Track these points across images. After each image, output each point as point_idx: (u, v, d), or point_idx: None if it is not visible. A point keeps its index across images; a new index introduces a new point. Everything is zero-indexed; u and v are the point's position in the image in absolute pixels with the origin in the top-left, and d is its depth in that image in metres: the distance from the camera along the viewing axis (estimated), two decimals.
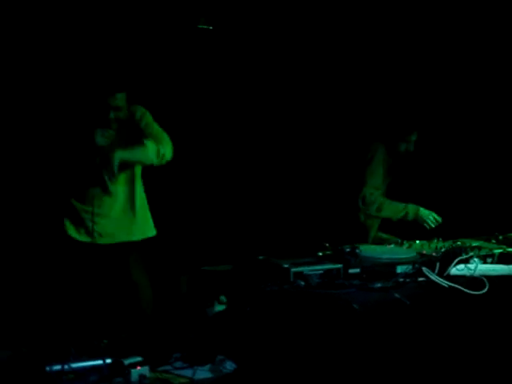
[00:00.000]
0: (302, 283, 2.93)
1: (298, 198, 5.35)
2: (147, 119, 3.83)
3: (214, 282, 3.25)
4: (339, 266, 3.05)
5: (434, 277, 2.98)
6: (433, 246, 3.67)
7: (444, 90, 5.42)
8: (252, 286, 2.93)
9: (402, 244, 3.73)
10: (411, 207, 4.34)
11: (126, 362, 2.58)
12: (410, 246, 3.64)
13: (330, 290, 2.87)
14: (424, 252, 3.43)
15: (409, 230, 4.28)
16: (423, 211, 4.31)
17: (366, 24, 5.26)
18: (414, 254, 3.35)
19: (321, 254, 3.35)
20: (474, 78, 5.40)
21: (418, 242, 3.80)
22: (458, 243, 3.71)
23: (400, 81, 5.35)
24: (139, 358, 2.61)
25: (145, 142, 3.65)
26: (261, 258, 3.28)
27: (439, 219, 4.28)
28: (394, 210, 4.34)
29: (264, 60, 5.10)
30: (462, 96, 5.45)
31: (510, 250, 3.61)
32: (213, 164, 5.14)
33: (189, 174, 4.96)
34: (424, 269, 3.01)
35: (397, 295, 2.78)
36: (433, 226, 4.27)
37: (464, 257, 3.17)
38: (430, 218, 4.26)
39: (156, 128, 3.78)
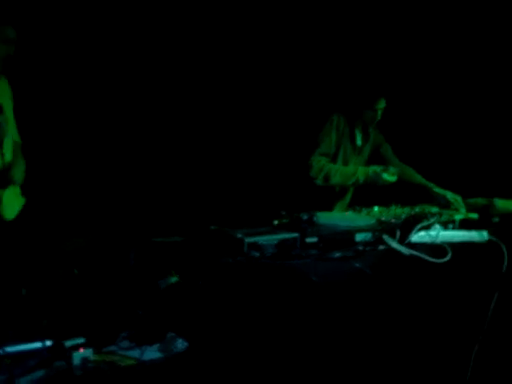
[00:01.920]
0: (257, 254, 2.74)
1: (261, 169, 5.15)
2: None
3: (165, 253, 3.05)
4: (295, 235, 2.87)
5: (395, 244, 2.82)
6: (392, 212, 3.52)
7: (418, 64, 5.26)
8: (204, 258, 2.74)
9: (360, 211, 3.57)
10: (361, 170, 4.10)
11: (68, 344, 2.39)
12: (368, 213, 3.49)
13: (285, 260, 2.69)
14: (383, 219, 3.28)
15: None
16: (373, 172, 4.02)
17: None
18: (374, 220, 3.20)
19: (277, 222, 3.17)
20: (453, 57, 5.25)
21: (376, 208, 3.65)
22: (417, 209, 3.58)
23: (364, 48, 5.16)
24: (82, 340, 2.42)
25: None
26: (213, 228, 3.09)
27: (392, 178, 4.00)
28: (344, 176, 4.10)
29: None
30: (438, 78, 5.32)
31: (471, 215, 3.49)
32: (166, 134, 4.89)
33: (138, 144, 4.72)
34: (385, 236, 2.86)
35: (357, 265, 2.62)
36: (390, 180, 4.00)
37: (425, 223, 3.02)
38: (383, 176, 3.98)
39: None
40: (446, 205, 3.90)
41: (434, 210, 3.62)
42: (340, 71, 5.04)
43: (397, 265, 2.78)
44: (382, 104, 4.09)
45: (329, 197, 4.18)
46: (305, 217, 2.98)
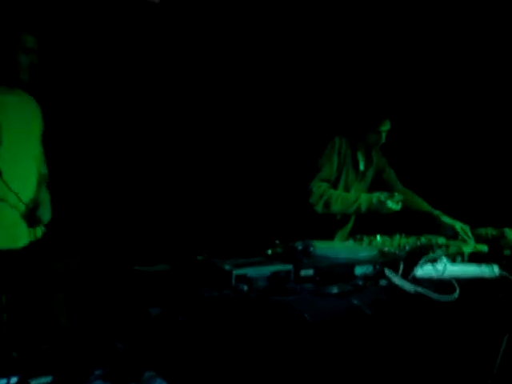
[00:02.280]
0: (246, 288, 2.50)
1: (257, 193, 4.91)
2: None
3: (147, 284, 2.81)
4: (289, 267, 2.63)
5: (397, 280, 2.57)
6: (395, 242, 3.28)
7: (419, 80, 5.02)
8: (187, 291, 2.49)
9: (361, 240, 3.32)
10: (363, 197, 3.82)
11: (33, 382, 2.14)
12: (370, 243, 3.24)
13: (277, 296, 2.44)
14: (386, 250, 3.03)
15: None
16: (376, 200, 3.74)
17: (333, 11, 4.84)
18: (375, 252, 2.95)
19: (270, 252, 2.93)
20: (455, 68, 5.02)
21: (378, 237, 3.40)
22: (423, 240, 3.33)
23: (367, 68, 4.93)
24: (49, 378, 2.17)
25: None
26: (200, 257, 2.86)
27: (397, 207, 3.72)
28: (345, 203, 3.82)
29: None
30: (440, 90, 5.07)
31: (480, 247, 3.24)
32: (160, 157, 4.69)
33: (127, 168, 4.50)
34: (387, 270, 2.62)
35: (356, 302, 2.37)
36: (394, 208, 3.72)
37: (431, 256, 2.77)
38: (387, 205, 3.69)
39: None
40: (453, 235, 3.65)
41: (441, 240, 3.38)
42: (342, 91, 4.81)
43: (399, 303, 2.53)
44: (386, 126, 3.85)
45: (329, 225, 3.93)
46: (300, 247, 2.75)
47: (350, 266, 2.76)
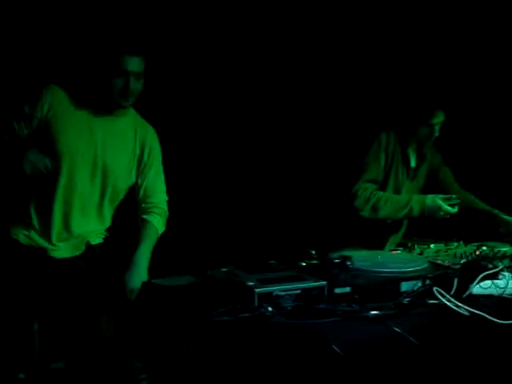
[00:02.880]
0: (270, 309, 2.14)
1: (297, 196, 4.53)
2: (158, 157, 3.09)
3: (163, 299, 2.48)
4: (322, 283, 2.26)
5: (448, 302, 2.17)
6: (451, 251, 2.87)
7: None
8: (202, 312, 2.15)
9: (412, 249, 2.92)
10: (416, 199, 3.38)
11: None
12: (422, 252, 2.83)
13: (306, 319, 2.07)
14: (439, 261, 2.63)
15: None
16: (431, 202, 3.32)
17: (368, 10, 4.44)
18: (426, 264, 2.55)
19: (304, 264, 2.57)
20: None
21: (432, 246, 2.99)
22: (484, 249, 2.91)
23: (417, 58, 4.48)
24: None
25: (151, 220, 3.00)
26: (225, 269, 2.52)
27: (453, 210, 3.31)
28: (395, 206, 3.38)
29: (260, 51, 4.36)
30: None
31: None
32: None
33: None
34: (436, 290, 2.21)
35: (398, 330, 1.99)
36: (451, 211, 3.31)
37: (491, 271, 2.36)
38: (443, 208, 3.28)
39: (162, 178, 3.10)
40: None
41: (507, 248, 2.94)
42: (387, 82, 4.37)
43: (452, 328, 2.13)
44: (439, 118, 3.39)
45: (379, 231, 3.51)
46: (336, 259, 2.36)
47: (394, 281, 2.38)
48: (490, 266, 2.47)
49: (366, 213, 3.32)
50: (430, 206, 3.27)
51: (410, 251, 2.90)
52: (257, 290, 2.18)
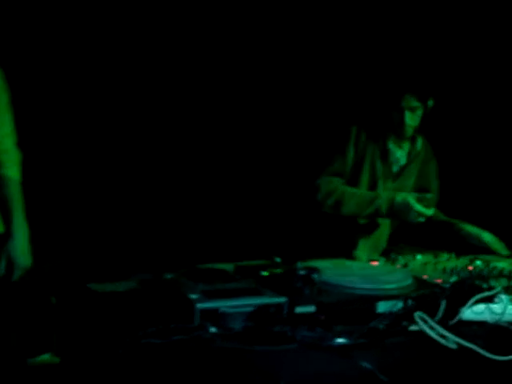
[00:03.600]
0: (212, 330, 1.73)
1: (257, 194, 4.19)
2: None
3: (93, 307, 2.08)
4: (281, 299, 1.85)
5: (431, 331, 1.77)
6: (440, 265, 2.46)
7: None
8: (129, 330, 1.74)
9: (395, 260, 2.52)
10: (384, 196, 2.96)
11: None
12: (405, 265, 2.43)
13: (251, 345, 1.67)
14: (425, 277, 2.22)
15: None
16: (401, 200, 2.89)
17: None
18: (410, 280, 2.14)
19: (266, 274, 2.16)
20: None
21: (419, 256, 2.59)
22: (478, 263, 2.50)
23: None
24: None
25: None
26: (169, 275, 2.12)
27: (428, 211, 2.88)
28: (360, 203, 2.97)
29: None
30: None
31: None
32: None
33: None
34: (417, 316, 1.81)
35: (367, 365, 1.58)
36: (425, 213, 2.89)
37: (486, 293, 1.96)
38: (415, 208, 2.85)
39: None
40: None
41: (504, 264, 2.54)
42: (359, 69, 3.98)
43: (435, 363, 1.73)
44: (410, 102, 2.96)
45: (348, 231, 3.11)
46: (301, 271, 1.95)
47: (370, 300, 1.96)
48: (485, 286, 2.06)
49: (327, 208, 2.94)
50: (399, 204, 2.86)
51: (392, 263, 2.48)
52: (199, 305, 1.78)
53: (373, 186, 3.09)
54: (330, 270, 2.12)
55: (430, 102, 3.00)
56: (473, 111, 4.24)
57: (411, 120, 2.96)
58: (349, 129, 3.05)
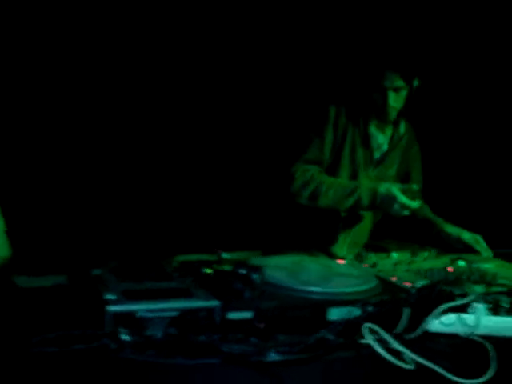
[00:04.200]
0: (126, 338, 1.46)
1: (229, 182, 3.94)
2: None
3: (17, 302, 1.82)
4: (212, 303, 1.57)
5: (379, 346, 1.49)
6: (416, 264, 2.17)
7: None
8: (31, 334, 1.47)
9: (364, 259, 2.23)
10: (365, 186, 2.65)
11: None
12: (374, 264, 2.14)
13: (165, 357, 1.40)
14: (394, 278, 1.94)
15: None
16: (385, 191, 2.57)
17: None
18: (374, 282, 1.86)
19: (209, 271, 1.89)
20: None
21: (394, 254, 2.30)
22: (460, 264, 2.21)
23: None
24: None
25: None
26: (97, 271, 1.85)
27: (413, 204, 2.54)
28: (339, 193, 2.65)
29: None
30: None
31: None
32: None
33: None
34: (366, 328, 1.52)
35: None
36: (411, 205, 2.54)
37: (457, 303, 1.67)
38: (398, 200, 2.52)
39: None
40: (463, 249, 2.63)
41: (490, 265, 2.25)
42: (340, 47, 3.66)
43: None
44: (394, 81, 2.64)
45: (328, 225, 2.83)
46: (241, 270, 1.68)
47: (319, 306, 1.68)
48: (459, 292, 1.78)
49: (303, 200, 2.64)
50: (383, 195, 2.55)
51: (361, 261, 2.19)
52: (111, 307, 1.50)
53: (353, 175, 2.80)
54: (281, 268, 1.84)
55: (415, 82, 2.70)
56: (461, 97, 3.94)
57: (395, 102, 2.67)
58: (326, 109, 2.74)
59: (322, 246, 2.86)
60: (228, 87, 3.90)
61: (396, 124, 2.83)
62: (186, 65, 3.87)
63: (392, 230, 3.15)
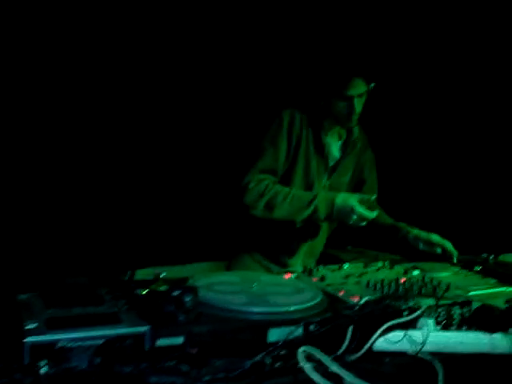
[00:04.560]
0: (44, 370, 1.35)
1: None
2: None
3: None
4: (140, 329, 1.47)
5: (312, 371, 1.39)
6: (365, 278, 2.08)
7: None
8: None
9: (311, 272, 2.13)
10: (322, 197, 2.56)
11: None
12: (322, 278, 2.04)
13: None
14: (341, 293, 1.84)
15: None
16: (342, 202, 2.50)
17: None
18: (319, 298, 1.76)
19: (145, 292, 1.78)
20: None
21: (346, 266, 2.21)
22: (415, 274, 2.13)
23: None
24: None
25: None
26: (24, 296, 1.74)
27: (370, 215, 2.48)
28: (295, 205, 2.56)
29: None
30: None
31: (501, 289, 2.03)
32: None
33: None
34: (302, 352, 1.43)
35: None
36: (367, 216, 2.49)
37: (404, 318, 1.58)
38: (356, 211, 2.45)
39: None
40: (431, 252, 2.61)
41: (447, 274, 2.17)
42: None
43: None
44: (359, 88, 2.58)
45: (284, 237, 2.74)
46: (174, 292, 1.58)
47: (260, 327, 1.58)
48: (406, 306, 1.69)
49: (258, 211, 2.54)
50: (340, 206, 2.47)
51: (309, 275, 2.10)
52: (28, 339, 1.39)
53: (308, 184, 2.71)
54: (219, 286, 1.73)
55: (372, 85, 2.62)
56: (414, 100, 3.91)
57: (359, 108, 2.59)
58: (280, 115, 2.65)
59: (277, 256, 2.77)
60: (182, 93, 3.84)
61: (349, 128, 2.75)
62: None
63: (355, 237, 3.08)
